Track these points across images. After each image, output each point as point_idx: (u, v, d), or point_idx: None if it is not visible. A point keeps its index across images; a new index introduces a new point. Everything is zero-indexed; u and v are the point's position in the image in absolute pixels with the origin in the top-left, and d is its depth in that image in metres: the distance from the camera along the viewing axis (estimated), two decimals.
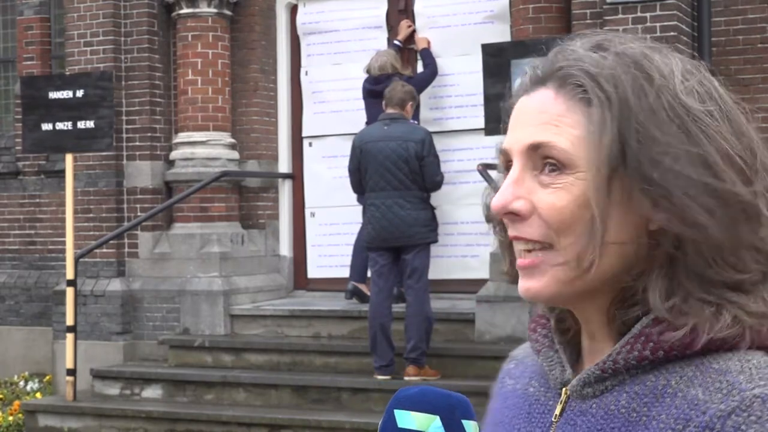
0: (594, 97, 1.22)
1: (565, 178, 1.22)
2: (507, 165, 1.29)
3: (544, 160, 1.24)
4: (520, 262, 1.27)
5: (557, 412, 1.30)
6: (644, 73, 1.23)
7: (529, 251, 1.26)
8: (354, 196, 8.55)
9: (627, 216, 1.22)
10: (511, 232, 1.27)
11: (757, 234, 1.22)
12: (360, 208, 8.64)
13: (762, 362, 1.19)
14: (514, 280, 1.34)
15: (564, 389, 1.30)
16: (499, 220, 1.32)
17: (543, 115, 1.25)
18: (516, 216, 1.25)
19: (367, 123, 8.87)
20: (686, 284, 1.21)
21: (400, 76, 8.81)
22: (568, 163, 1.22)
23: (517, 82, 1.34)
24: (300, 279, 10.33)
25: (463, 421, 1.12)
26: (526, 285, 1.27)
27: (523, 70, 1.34)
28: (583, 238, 1.21)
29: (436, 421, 1.12)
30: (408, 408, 1.13)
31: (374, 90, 8.87)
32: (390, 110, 8.07)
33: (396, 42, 9.56)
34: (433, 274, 8.25)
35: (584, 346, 1.33)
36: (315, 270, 10.20)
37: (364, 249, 8.60)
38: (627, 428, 1.20)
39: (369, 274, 8.70)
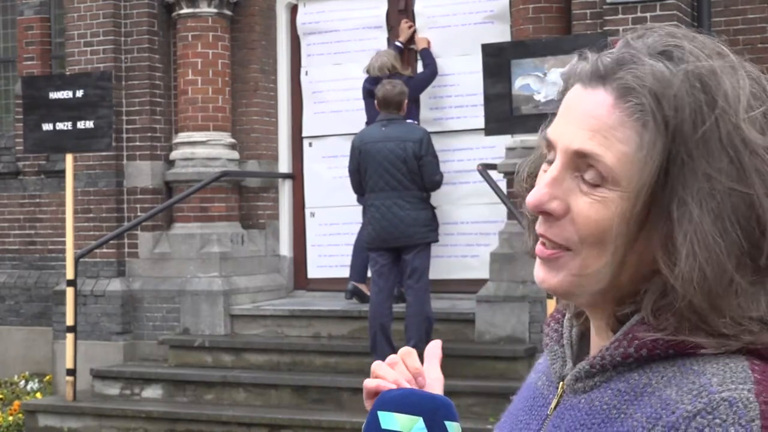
0: (651, 121, 1.17)
1: (605, 192, 1.20)
2: (549, 150, 1.27)
3: (588, 168, 1.21)
4: (540, 251, 1.26)
5: (553, 405, 1.31)
6: (709, 96, 1.17)
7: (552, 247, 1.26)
8: (354, 196, 8.55)
9: (645, 236, 1.20)
10: (539, 228, 1.25)
11: (744, 293, 1.18)
12: (360, 208, 8.64)
13: (740, 366, 1.17)
14: (532, 256, 1.34)
15: (561, 383, 1.32)
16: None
17: (594, 121, 1.21)
18: (550, 215, 1.23)
19: (367, 123, 8.87)
20: (678, 307, 1.19)
21: (400, 76, 8.81)
22: (609, 178, 1.19)
23: (574, 61, 1.28)
24: (300, 279, 10.33)
25: (446, 423, 1.12)
26: (542, 276, 1.27)
27: (582, 54, 1.28)
28: (607, 252, 1.21)
29: (419, 422, 1.12)
30: (391, 409, 1.14)
31: (374, 90, 8.87)
32: (387, 111, 8.06)
33: (397, 43, 9.55)
34: (433, 274, 8.25)
35: (592, 341, 1.34)
36: (315, 270, 10.20)
37: (364, 249, 8.60)
38: (606, 425, 1.21)
39: (369, 274, 8.71)
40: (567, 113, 1.25)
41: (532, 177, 1.32)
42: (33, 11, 11.34)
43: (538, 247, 1.26)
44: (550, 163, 1.26)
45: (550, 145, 1.26)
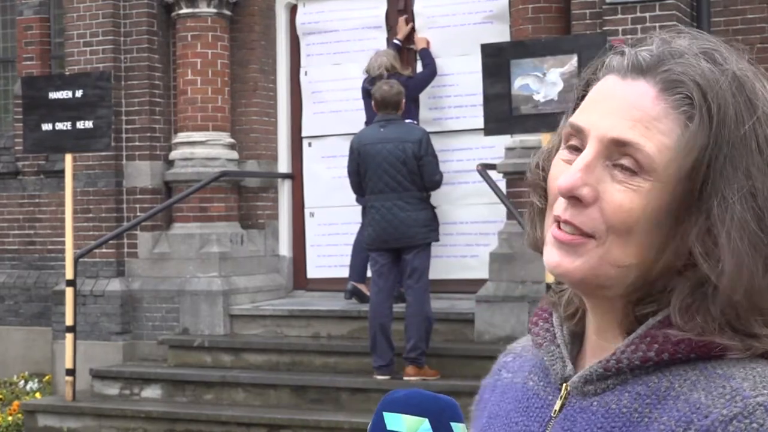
0: (698, 114, 1.18)
1: (640, 181, 1.19)
2: (569, 138, 1.26)
3: (623, 156, 1.20)
4: (558, 234, 1.24)
5: (557, 407, 1.29)
6: (748, 99, 1.20)
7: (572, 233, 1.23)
8: (353, 196, 8.55)
9: (674, 232, 1.20)
10: (564, 214, 1.22)
11: None
12: (359, 208, 8.65)
13: (766, 371, 1.18)
14: (535, 247, 1.32)
15: (564, 385, 1.29)
16: (543, 186, 1.30)
17: (637, 111, 1.20)
18: (578, 201, 1.21)
19: (366, 123, 8.87)
20: (710, 306, 1.19)
21: (399, 76, 8.80)
22: (648, 168, 1.19)
23: (606, 58, 1.28)
24: (299, 279, 10.33)
25: (452, 424, 1.12)
26: (557, 260, 1.23)
27: (617, 47, 1.28)
28: (632, 244, 1.20)
29: (425, 423, 1.12)
30: (397, 410, 1.14)
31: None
32: (385, 112, 8.05)
33: (396, 41, 9.56)
34: (433, 274, 8.25)
35: (589, 341, 1.32)
36: (314, 270, 10.20)
37: (363, 249, 8.61)
38: (628, 428, 1.20)
39: (369, 274, 8.73)
40: (601, 102, 1.24)
41: (545, 168, 1.31)
42: (32, 11, 11.34)
43: (556, 231, 1.24)
44: (573, 149, 1.25)
45: (579, 133, 1.24)
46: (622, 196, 1.19)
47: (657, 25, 7.85)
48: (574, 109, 1.29)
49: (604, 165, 1.21)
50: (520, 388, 1.37)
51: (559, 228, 1.23)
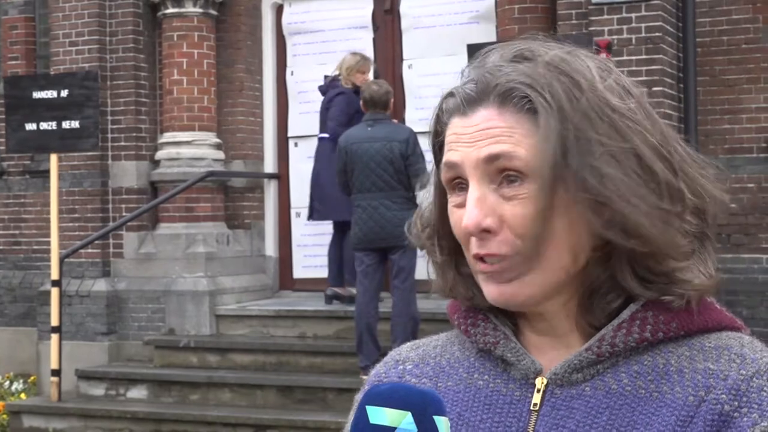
0: (539, 105, 1.24)
1: (527, 187, 1.25)
2: (453, 179, 1.30)
3: (501, 173, 1.26)
4: (486, 268, 1.28)
5: (536, 401, 1.30)
6: (571, 78, 1.26)
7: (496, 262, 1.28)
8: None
9: (578, 219, 1.25)
10: (480, 249, 1.27)
11: (684, 218, 1.28)
12: None
13: (748, 338, 1.30)
14: (444, 293, 1.39)
15: (540, 378, 1.30)
16: (434, 244, 1.36)
17: (492, 130, 1.26)
18: (487, 233, 1.26)
19: (320, 130, 8.93)
20: (645, 273, 1.28)
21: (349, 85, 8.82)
22: (528, 171, 1.24)
23: (442, 104, 1.35)
24: (285, 279, 10.32)
25: (435, 417, 1.12)
26: (498, 290, 1.28)
27: (447, 91, 1.35)
28: (550, 244, 1.25)
29: (408, 417, 1.12)
30: (380, 404, 1.13)
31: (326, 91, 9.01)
32: (373, 111, 8.04)
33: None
34: (419, 274, 8.25)
35: (528, 341, 1.35)
36: (300, 270, 10.19)
37: (336, 255, 8.80)
38: (638, 404, 1.25)
39: (347, 277, 8.94)
40: (459, 140, 1.30)
41: (431, 225, 1.38)
42: (17, 11, 11.31)
43: (483, 266, 1.28)
44: (460, 189, 1.30)
45: (456, 168, 1.29)
46: (519, 208, 1.25)
47: (643, 25, 7.87)
48: (435, 159, 1.38)
49: (492, 190, 1.26)
50: (465, 389, 1.36)
51: (484, 262, 1.28)
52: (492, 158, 1.25)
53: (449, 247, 1.36)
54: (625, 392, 1.26)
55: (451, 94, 1.33)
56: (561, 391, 1.29)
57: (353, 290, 8.75)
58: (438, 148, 1.37)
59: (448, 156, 1.31)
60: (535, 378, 1.31)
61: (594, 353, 1.28)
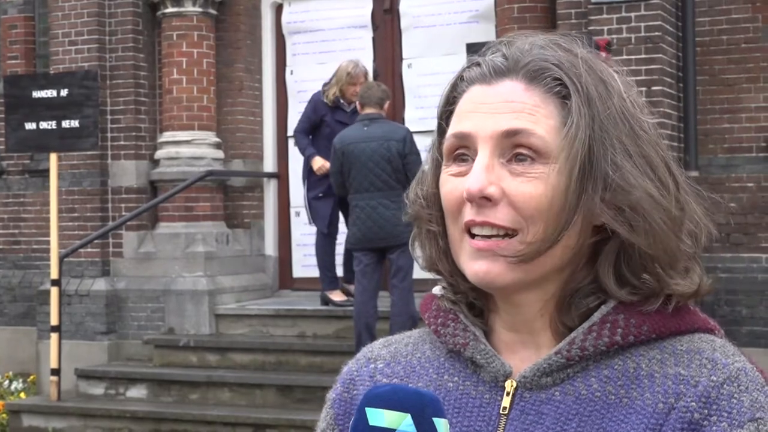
0: (573, 90, 1.25)
1: (539, 168, 1.24)
2: (456, 150, 1.29)
3: (515, 149, 1.25)
4: (477, 243, 1.26)
5: (505, 404, 1.29)
6: (600, 78, 1.28)
7: (489, 237, 1.26)
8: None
9: (584, 213, 1.26)
10: (478, 217, 1.25)
11: (683, 231, 1.29)
12: None
13: (720, 342, 1.29)
14: (431, 267, 1.37)
15: (509, 381, 1.29)
16: (428, 213, 1.34)
17: (515, 104, 1.25)
18: (487, 201, 1.24)
19: (306, 133, 8.90)
20: (627, 274, 1.28)
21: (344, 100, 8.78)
22: (544, 152, 1.24)
23: (463, 72, 1.33)
24: (285, 278, 10.32)
25: (434, 419, 1.12)
26: (483, 268, 1.26)
27: (471, 59, 1.33)
28: (550, 227, 1.24)
29: (407, 418, 1.12)
30: (379, 406, 1.14)
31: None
32: (368, 110, 8.03)
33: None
34: (417, 273, 8.25)
35: (500, 339, 1.34)
36: (300, 269, 10.20)
37: (325, 261, 8.84)
38: (607, 410, 1.23)
39: (341, 279, 8.99)
40: (476, 109, 1.28)
41: (425, 196, 1.35)
42: (17, 10, 11.30)
43: (474, 242, 1.26)
44: (461, 161, 1.28)
45: (466, 139, 1.27)
46: (529, 186, 1.24)
47: (642, 24, 7.87)
48: (439, 128, 1.34)
49: (500, 164, 1.25)
50: (434, 392, 1.33)
51: (474, 237, 1.26)
52: (511, 133, 1.25)
53: (437, 219, 1.34)
54: (594, 398, 1.24)
55: (477, 64, 1.31)
56: (530, 395, 1.28)
57: (350, 287, 8.78)
58: (446, 117, 1.33)
59: (458, 125, 1.29)
60: (504, 381, 1.30)
61: (564, 357, 1.26)
